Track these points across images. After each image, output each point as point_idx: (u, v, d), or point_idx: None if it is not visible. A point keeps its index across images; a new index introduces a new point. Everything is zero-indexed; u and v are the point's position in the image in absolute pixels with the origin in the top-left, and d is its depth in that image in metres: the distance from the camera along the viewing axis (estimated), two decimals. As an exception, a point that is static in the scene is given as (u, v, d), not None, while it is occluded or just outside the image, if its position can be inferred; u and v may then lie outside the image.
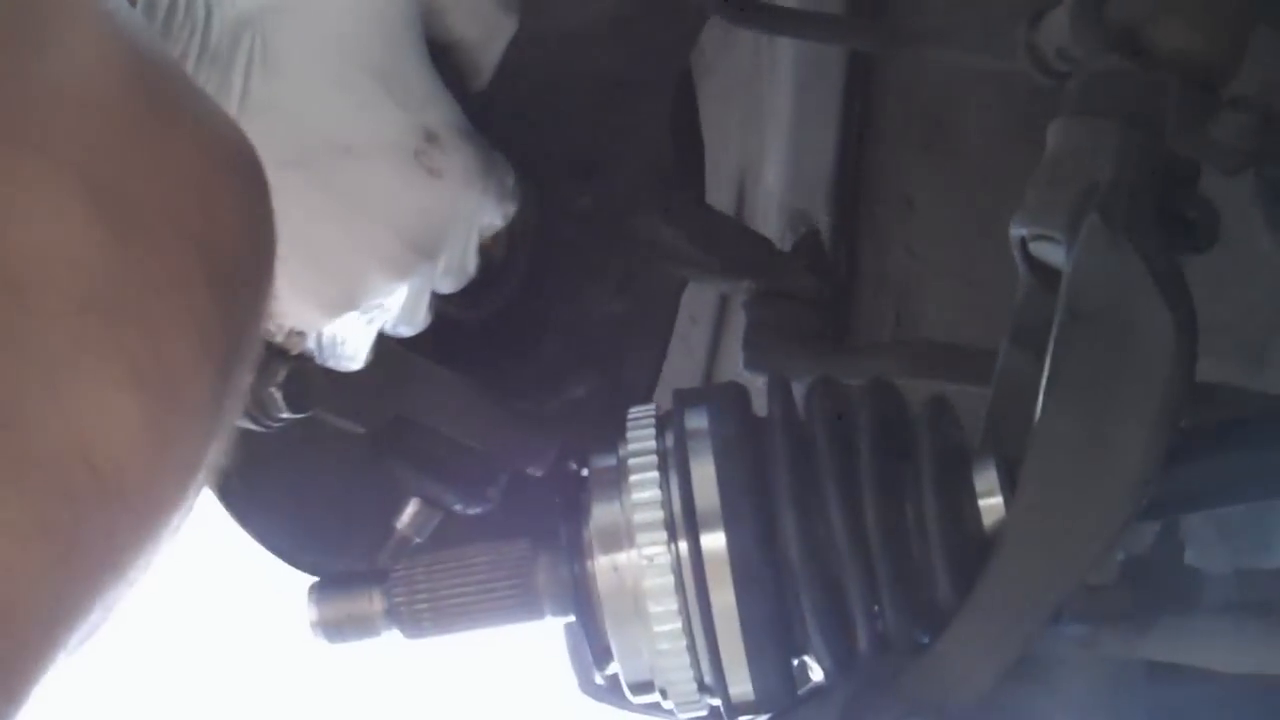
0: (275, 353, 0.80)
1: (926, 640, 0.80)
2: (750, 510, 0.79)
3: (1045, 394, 0.79)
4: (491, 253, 0.92)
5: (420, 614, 0.86)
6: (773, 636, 0.80)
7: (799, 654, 0.83)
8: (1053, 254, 0.87)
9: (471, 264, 0.88)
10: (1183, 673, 0.80)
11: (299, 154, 0.76)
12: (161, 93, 0.50)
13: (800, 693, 0.84)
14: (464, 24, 0.84)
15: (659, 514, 0.79)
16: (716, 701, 0.83)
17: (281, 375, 0.82)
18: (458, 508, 1.00)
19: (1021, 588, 0.78)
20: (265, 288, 0.52)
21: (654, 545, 0.79)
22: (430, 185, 0.79)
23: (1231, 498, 0.82)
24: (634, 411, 0.85)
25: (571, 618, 0.85)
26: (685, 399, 0.84)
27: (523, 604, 0.85)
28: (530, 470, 1.01)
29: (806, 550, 0.79)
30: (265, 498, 1.02)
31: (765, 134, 1.42)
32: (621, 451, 0.83)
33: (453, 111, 0.81)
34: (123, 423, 0.45)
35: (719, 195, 1.45)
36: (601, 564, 0.81)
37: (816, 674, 0.84)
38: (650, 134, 1.04)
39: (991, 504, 0.81)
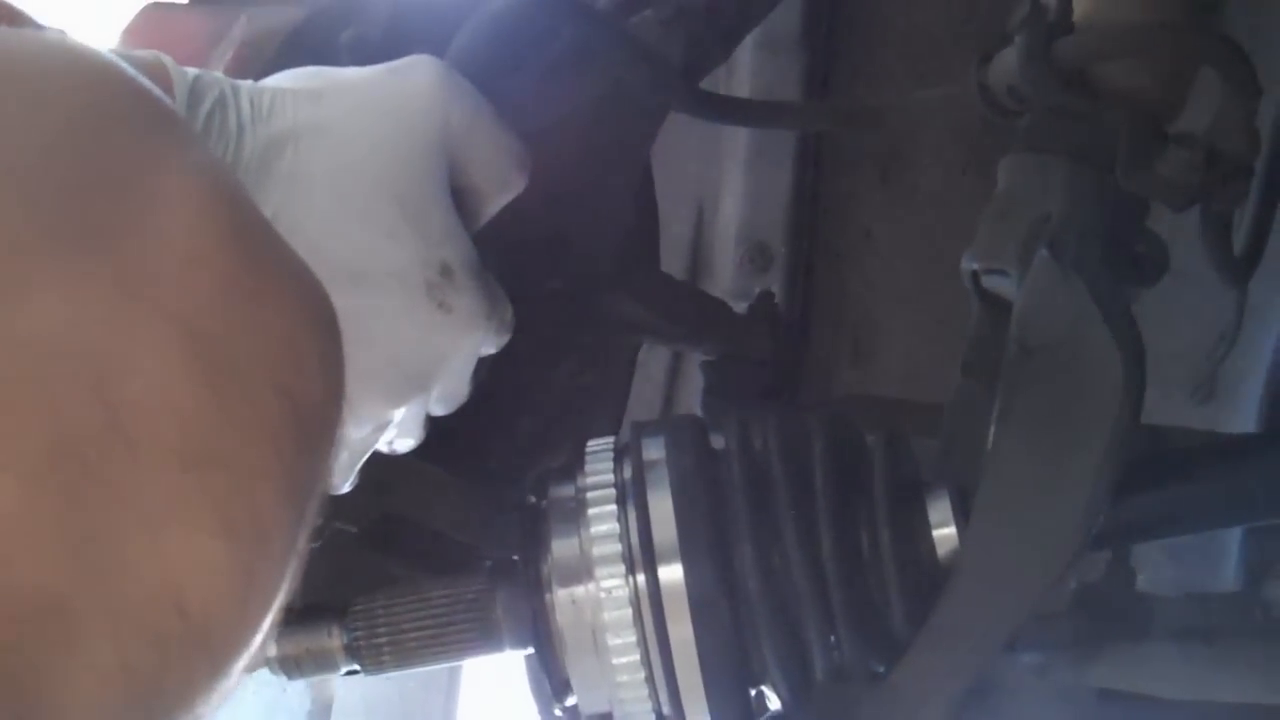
0: None
1: (882, 669, 0.81)
2: (707, 543, 0.80)
3: (997, 426, 0.80)
4: None
5: (380, 649, 0.86)
6: (730, 667, 0.81)
7: (756, 684, 0.84)
8: (1004, 286, 0.89)
9: (465, 390, 0.88)
10: (1133, 699, 0.81)
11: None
12: (255, 246, 0.52)
13: (758, 723, 0.85)
14: (483, 174, 0.84)
15: (617, 547, 0.80)
16: None
17: None
18: None
19: (974, 617, 0.79)
20: (337, 431, 0.55)
21: (612, 578, 0.80)
22: (438, 320, 0.79)
23: (1178, 529, 0.83)
24: (592, 443, 0.86)
25: (531, 650, 0.85)
26: (643, 430, 0.85)
27: (482, 638, 0.86)
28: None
29: (763, 582, 0.80)
30: None
31: (723, 165, 1.44)
32: (580, 483, 0.84)
33: (469, 248, 0.82)
34: (214, 570, 0.48)
35: (678, 226, 1.47)
36: (560, 597, 0.82)
37: (774, 703, 0.85)
38: (615, 216, 1.07)
39: (945, 534, 0.82)
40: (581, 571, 0.81)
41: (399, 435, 0.85)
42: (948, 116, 1.34)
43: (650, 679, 0.81)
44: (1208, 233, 0.89)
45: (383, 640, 0.86)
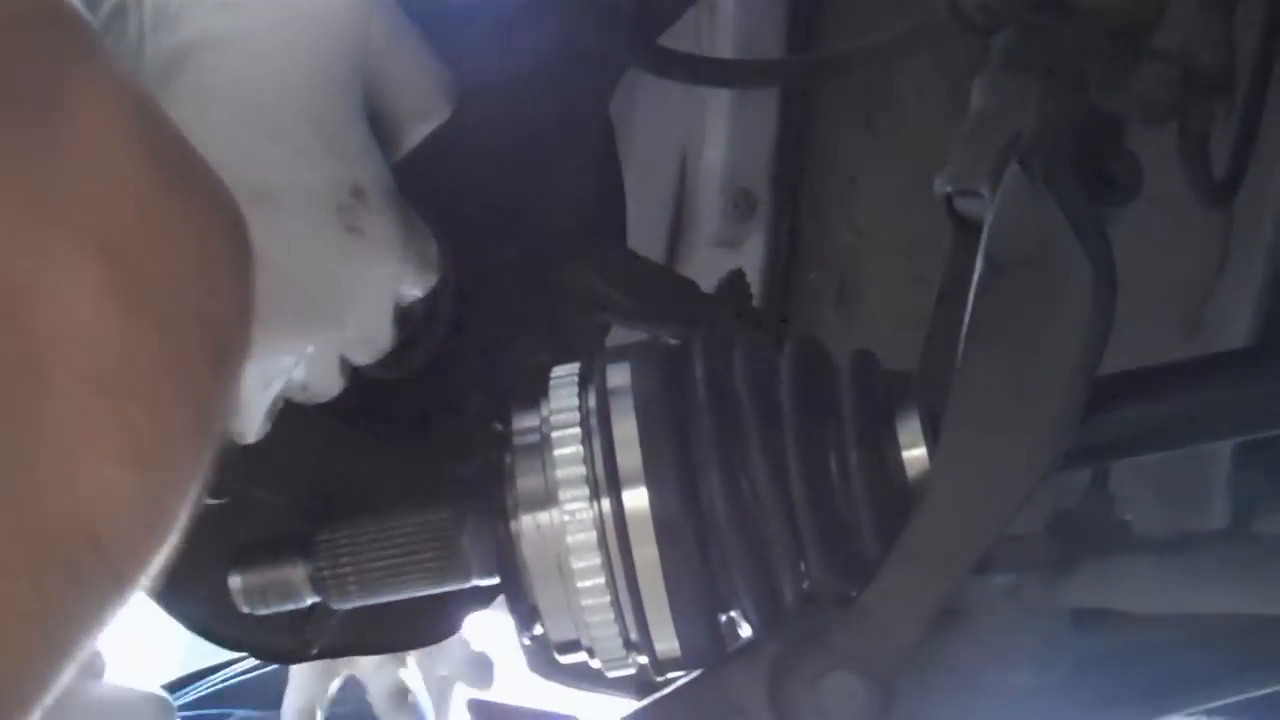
0: None
1: (854, 594, 0.80)
2: (672, 466, 0.79)
3: (965, 344, 0.79)
4: (412, 311, 0.90)
5: (345, 580, 0.85)
6: (697, 592, 0.80)
7: (725, 609, 0.83)
8: (978, 209, 0.87)
9: (386, 336, 0.85)
10: (1110, 623, 0.80)
11: None
12: (169, 161, 0.51)
13: (730, 650, 0.84)
14: (403, 98, 0.81)
15: (581, 470, 0.79)
16: (644, 659, 0.83)
17: None
18: None
19: (944, 537, 0.78)
20: (246, 353, 0.54)
21: (576, 502, 0.79)
22: (347, 244, 0.76)
23: (1153, 446, 0.82)
24: (557, 370, 0.84)
25: (496, 579, 0.84)
26: (608, 356, 0.83)
27: (448, 567, 0.84)
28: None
29: (730, 505, 0.79)
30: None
31: (706, 111, 1.42)
32: (544, 410, 0.82)
33: (383, 172, 0.79)
34: (125, 500, 0.48)
35: (661, 175, 1.45)
36: (525, 523, 0.81)
37: (746, 630, 0.84)
38: (572, 183, 1.05)
39: (915, 455, 0.81)
40: (545, 497, 0.80)
41: (312, 380, 0.82)
42: (930, 54, 1.32)
43: (616, 603, 0.80)
44: (1185, 152, 0.88)
45: (347, 571, 0.85)
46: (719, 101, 1.42)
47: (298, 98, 0.75)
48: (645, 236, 1.43)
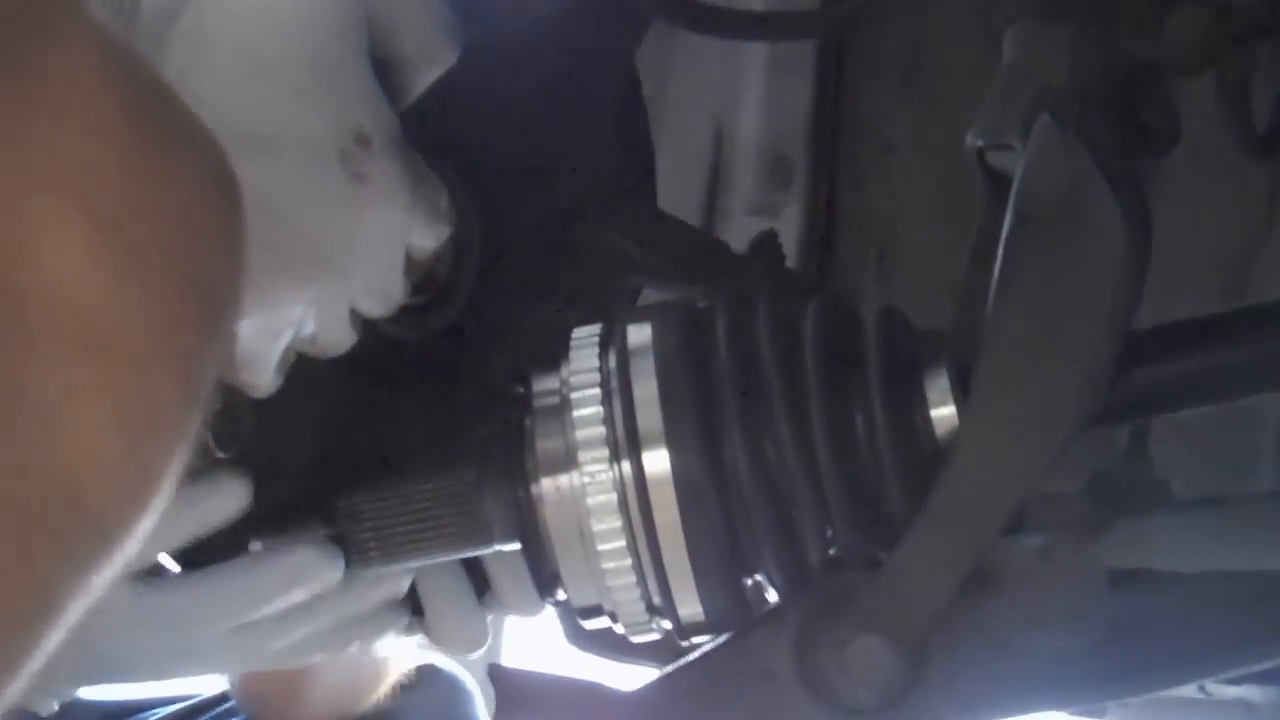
0: None
1: (882, 556, 0.78)
2: (693, 427, 0.77)
3: (994, 299, 0.77)
4: (435, 271, 0.89)
5: (366, 545, 0.84)
6: (720, 555, 0.78)
7: (750, 573, 0.81)
8: (1010, 163, 0.85)
9: (397, 287, 0.83)
10: (1147, 584, 0.77)
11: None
12: (156, 116, 0.50)
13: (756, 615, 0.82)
14: (407, 43, 0.79)
15: (600, 431, 0.78)
16: (668, 624, 0.82)
17: (210, 414, 0.80)
18: None
19: (974, 496, 0.76)
20: (237, 314, 0.53)
21: (596, 463, 0.77)
22: (352, 191, 0.74)
23: (1189, 401, 0.79)
24: (578, 331, 0.83)
25: (518, 544, 0.83)
26: (629, 316, 0.82)
27: (470, 532, 0.83)
28: None
29: (752, 466, 0.77)
30: None
31: (741, 78, 1.40)
32: (564, 372, 0.81)
33: (389, 118, 0.77)
34: (110, 464, 0.47)
35: (696, 142, 1.43)
36: (545, 486, 0.80)
37: (773, 595, 0.83)
38: (596, 141, 1.03)
39: (944, 414, 0.79)
40: (565, 459, 0.79)
41: (323, 332, 0.80)
42: (966, 12, 1.30)
43: (638, 567, 0.78)
44: (1224, 101, 0.85)
45: (368, 536, 0.84)
46: (754, 67, 1.40)
47: (296, 41, 0.73)
48: (681, 204, 1.41)
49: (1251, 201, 1.14)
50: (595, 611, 0.82)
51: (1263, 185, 1.13)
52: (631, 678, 0.87)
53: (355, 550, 0.84)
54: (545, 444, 0.80)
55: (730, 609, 0.80)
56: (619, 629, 0.83)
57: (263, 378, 0.79)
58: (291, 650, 0.86)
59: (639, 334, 0.80)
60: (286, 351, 0.80)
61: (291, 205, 0.73)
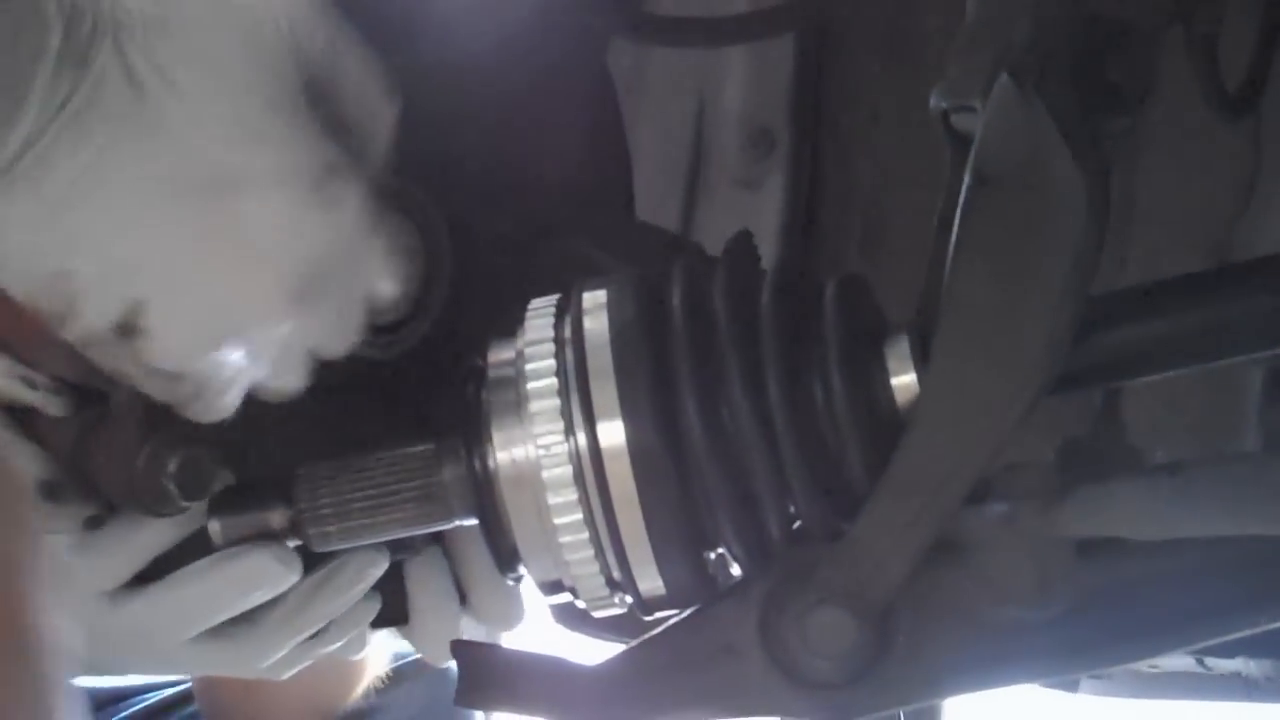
0: (164, 440, 0.77)
1: (845, 527, 0.77)
2: (648, 398, 0.76)
3: (953, 262, 0.75)
4: (405, 291, 0.88)
5: (325, 522, 0.83)
6: (679, 529, 0.77)
7: (711, 547, 0.80)
8: (974, 125, 0.83)
9: (354, 326, 0.82)
10: (1115, 553, 0.76)
11: (184, 183, 0.70)
12: None
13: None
14: (351, 107, 0.77)
15: (555, 403, 0.76)
16: (629, 599, 0.81)
17: (172, 466, 0.79)
18: None
19: (934, 464, 0.74)
20: None
21: (550, 435, 0.76)
22: (324, 215, 0.73)
23: (1155, 366, 0.78)
24: (535, 302, 0.82)
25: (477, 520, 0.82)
26: (585, 284, 0.80)
27: (428, 505, 0.82)
28: None
29: (709, 437, 0.76)
30: None
31: (722, 50, 1.38)
32: (519, 342, 0.80)
33: (356, 151, 0.76)
34: None
35: (678, 114, 1.42)
36: (501, 460, 0.78)
37: (737, 570, 0.81)
38: (565, 153, 1.02)
39: (905, 381, 0.78)
40: (520, 432, 0.78)
41: (276, 373, 0.80)
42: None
43: (595, 540, 0.77)
44: (1191, 57, 0.83)
45: (327, 510, 0.83)
46: (736, 39, 1.38)
47: (257, 85, 0.71)
48: (664, 177, 1.40)
49: (1232, 161, 1.12)
50: (556, 587, 0.81)
51: (1244, 145, 1.11)
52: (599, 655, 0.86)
53: (313, 528, 0.83)
54: (500, 416, 0.78)
55: (691, 582, 0.78)
56: (580, 604, 0.82)
57: (211, 413, 0.78)
58: (266, 654, 0.86)
59: (594, 301, 0.79)
60: (237, 390, 0.78)
61: (263, 235, 0.72)
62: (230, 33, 0.72)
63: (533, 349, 0.78)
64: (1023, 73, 0.76)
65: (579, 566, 0.78)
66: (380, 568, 0.89)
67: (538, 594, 0.92)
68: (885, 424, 0.77)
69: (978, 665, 0.78)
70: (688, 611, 0.80)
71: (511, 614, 0.90)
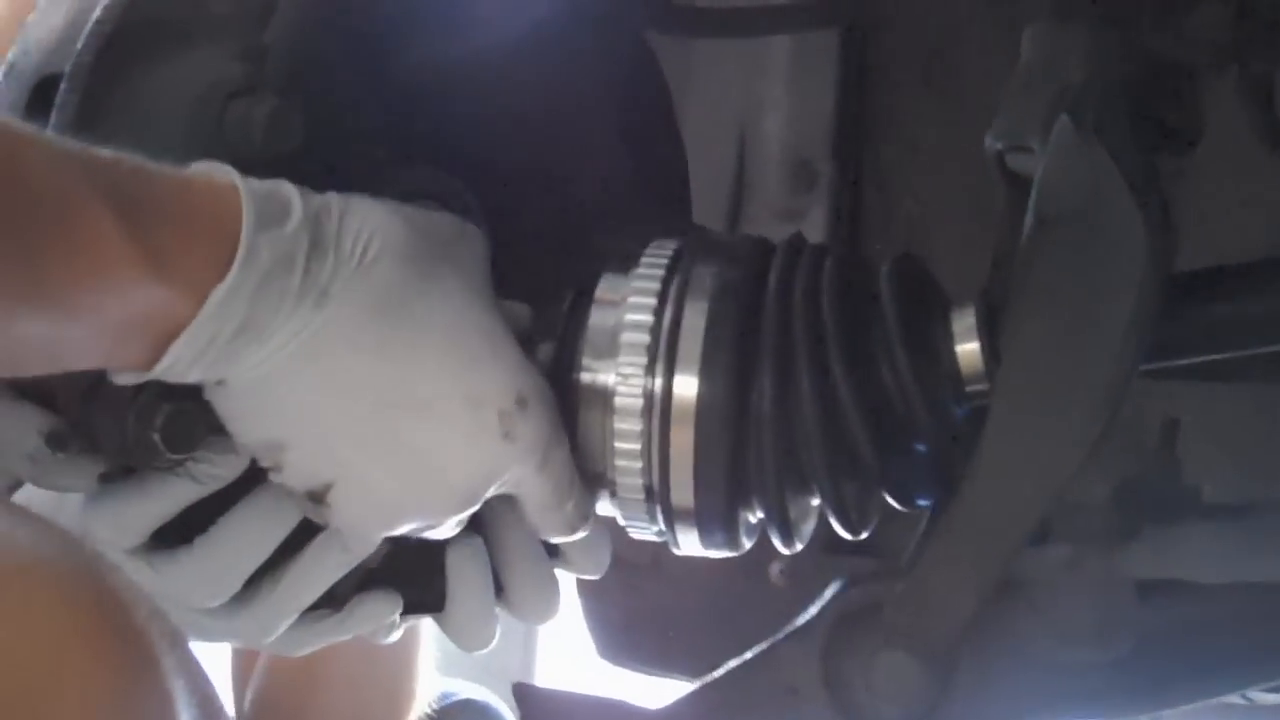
0: (154, 393, 0.78)
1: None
2: (726, 369, 0.79)
3: (1014, 304, 0.76)
4: None
5: None
6: (723, 485, 0.80)
7: (749, 507, 0.82)
8: (1030, 165, 0.84)
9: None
10: (1176, 591, 0.76)
11: (389, 400, 0.76)
12: None
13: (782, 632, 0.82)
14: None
15: (644, 339, 0.81)
16: (660, 518, 0.83)
17: (160, 418, 0.80)
18: None
19: (996, 508, 0.75)
20: None
21: (633, 367, 0.80)
22: (501, 449, 0.78)
23: (1243, 343, 0.79)
24: (655, 244, 0.85)
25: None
26: (701, 245, 0.84)
27: None
28: None
29: (774, 410, 0.79)
30: None
31: (763, 83, 1.39)
32: (631, 274, 0.83)
33: (541, 380, 0.82)
34: None
35: (720, 147, 1.42)
36: (585, 363, 0.83)
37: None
38: (602, 147, 1.03)
39: (969, 348, 0.79)
40: (609, 349, 0.82)
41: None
42: (988, 9, 1.28)
43: (647, 472, 0.81)
44: (1245, 95, 0.84)
45: None
46: (776, 71, 1.39)
47: (465, 309, 0.78)
48: (706, 209, 1.40)
49: (1273, 195, 1.12)
50: (599, 481, 0.83)
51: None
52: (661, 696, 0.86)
53: None
54: (595, 329, 0.83)
55: (721, 531, 0.81)
56: (614, 514, 0.84)
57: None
58: (276, 619, 0.86)
59: (706, 264, 0.82)
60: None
61: (445, 459, 0.77)
62: (447, 259, 0.80)
63: (640, 283, 0.82)
64: (1082, 115, 0.77)
65: (624, 475, 0.81)
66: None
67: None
68: (951, 390, 0.79)
69: (1039, 707, 0.78)
70: (750, 653, 0.81)
71: (548, 607, 0.91)
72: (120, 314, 0.69)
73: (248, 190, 0.73)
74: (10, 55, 0.87)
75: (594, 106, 1.03)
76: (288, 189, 0.75)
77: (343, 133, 0.86)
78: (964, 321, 0.80)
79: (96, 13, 0.82)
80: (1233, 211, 1.12)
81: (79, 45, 0.81)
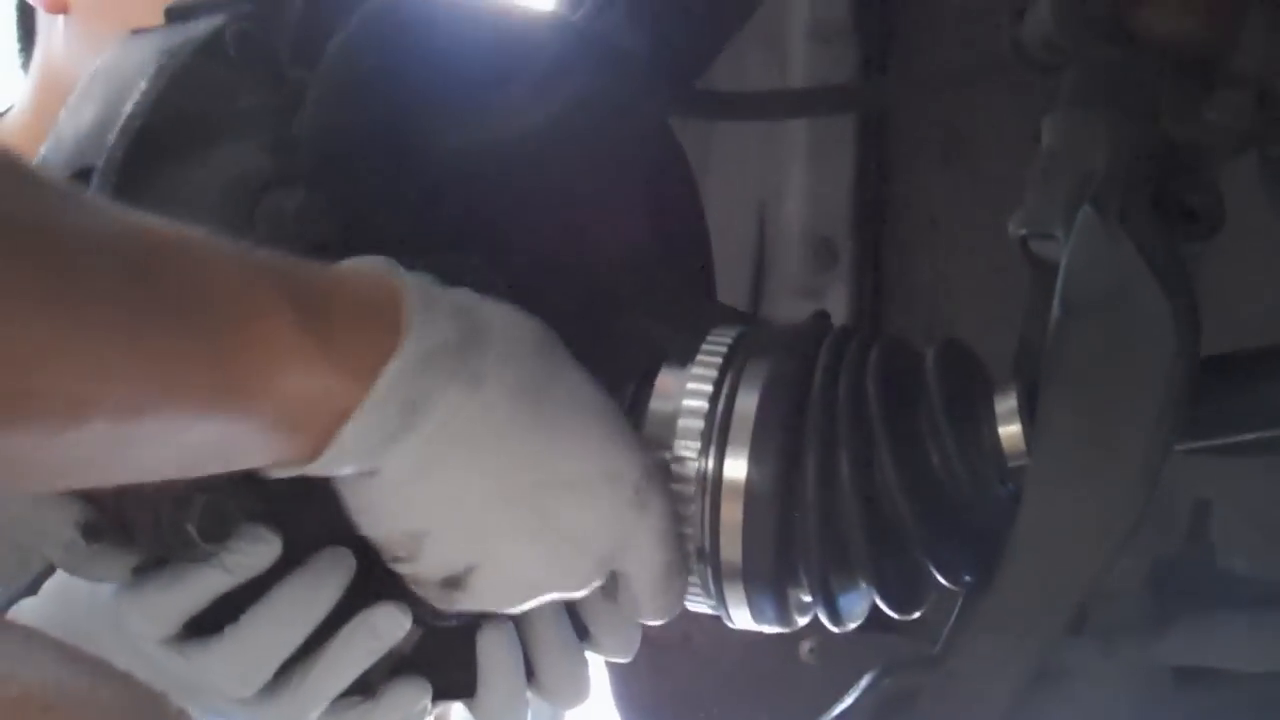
0: (188, 484, 0.78)
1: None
2: (774, 455, 0.81)
3: (1044, 394, 0.76)
4: None
5: None
6: (769, 566, 0.81)
7: (797, 585, 0.83)
8: (1054, 251, 0.84)
9: None
10: (1212, 678, 0.76)
11: (528, 485, 0.78)
12: None
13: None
14: None
15: (700, 425, 0.83)
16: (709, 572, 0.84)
17: (196, 509, 0.80)
18: None
19: (1032, 597, 0.75)
20: None
21: (687, 450, 0.83)
22: (636, 519, 0.81)
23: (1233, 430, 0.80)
24: (715, 334, 0.88)
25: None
26: (757, 338, 0.86)
27: None
28: None
29: (818, 493, 0.80)
30: None
31: (782, 162, 1.40)
32: (691, 364, 0.86)
33: (659, 459, 0.85)
34: None
35: (740, 226, 1.44)
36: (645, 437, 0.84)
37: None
38: (629, 229, 1.04)
39: (1012, 431, 0.80)
40: (665, 432, 0.84)
41: None
42: (1005, 88, 1.29)
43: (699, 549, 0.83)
44: (1267, 179, 0.84)
45: None
46: (795, 151, 1.40)
47: (592, 392, 0.82)
48: (727, 288, 1.41)
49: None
50: None
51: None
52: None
53: None
54: (656, 410, 0.85)
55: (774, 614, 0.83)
56: None
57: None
58: (307, 709, 0.85)
59: (760, 359, 0.85)
60: None
61: (587, 533, 0.80)
62: (567, 356, 0.83)
63: (698, 370, 0.85)
64: (1106, 203, 0.78)
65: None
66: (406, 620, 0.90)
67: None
68: (995, 468, 0.80)
69: (1078, 795, 0.78)
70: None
71: (580, 691, 0.91)
72: (296, 405, 0.70)
73: (408, 275, 0.75)
74: (43, 149, 0.89)
75: (619, 189, 1.04)
76: (429, 278, 0.77)
77: (371, 221, 0.87)
78: (1006, 404, 0.80)
79: (128, 107, 0.83)
80: (1255, 293, 1.13)
81: (110, 139, 0.82)
